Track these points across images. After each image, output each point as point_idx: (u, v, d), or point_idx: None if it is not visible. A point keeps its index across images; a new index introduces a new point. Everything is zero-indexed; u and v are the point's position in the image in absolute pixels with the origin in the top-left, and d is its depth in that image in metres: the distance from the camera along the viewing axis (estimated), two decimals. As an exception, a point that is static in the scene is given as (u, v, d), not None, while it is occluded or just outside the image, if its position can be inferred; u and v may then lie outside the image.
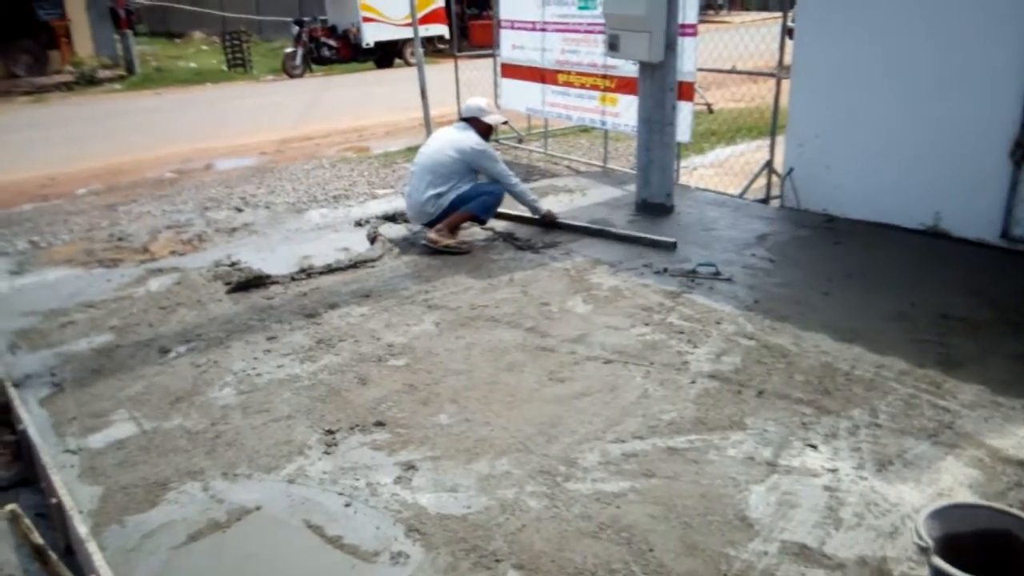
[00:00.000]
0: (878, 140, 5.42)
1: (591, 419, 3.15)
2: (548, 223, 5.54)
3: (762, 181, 6.48)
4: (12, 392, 3.39)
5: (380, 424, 3.16)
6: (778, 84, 6.12)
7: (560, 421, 3.14)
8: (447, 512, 2.62)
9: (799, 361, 3.56)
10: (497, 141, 9.51)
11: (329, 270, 4.92)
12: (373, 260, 5.07)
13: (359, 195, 7.22)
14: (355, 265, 4.99)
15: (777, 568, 2.32)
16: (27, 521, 2.28)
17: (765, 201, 6.39)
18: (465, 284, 4.63)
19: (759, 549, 2.40)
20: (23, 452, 3.14)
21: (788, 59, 5.93)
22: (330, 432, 3.11)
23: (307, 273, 4.86)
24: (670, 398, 3.29)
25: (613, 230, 5.46)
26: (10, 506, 2.29)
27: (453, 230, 5.26)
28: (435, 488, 2.75)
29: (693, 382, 3.41)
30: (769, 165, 6.39)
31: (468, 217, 5.31)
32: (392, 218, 5.91)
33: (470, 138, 5.27)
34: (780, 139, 6.24)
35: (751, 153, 8.32)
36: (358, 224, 5.91)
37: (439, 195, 5.18)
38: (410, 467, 2.88)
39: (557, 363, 3.62)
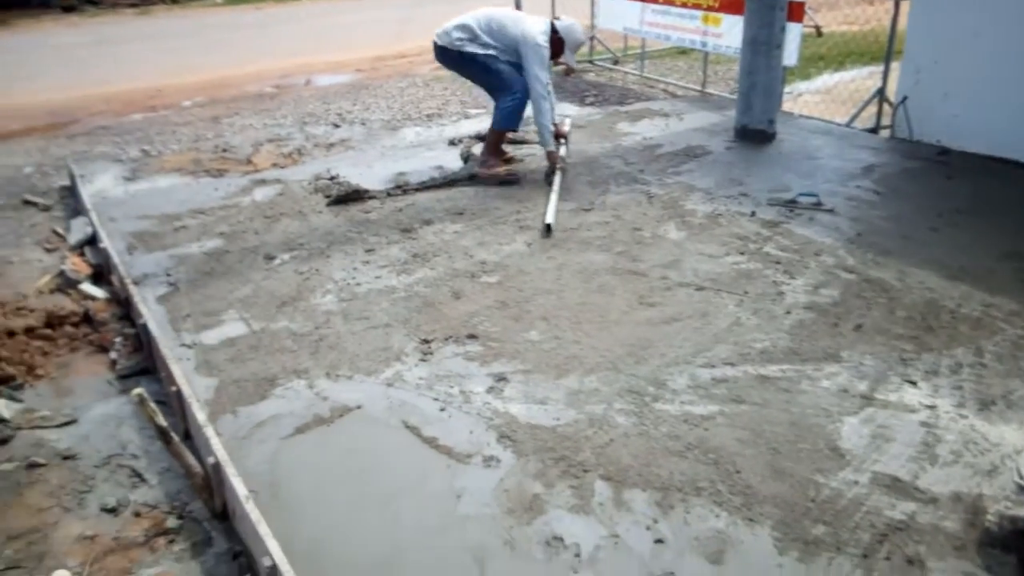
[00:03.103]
0: (1002, 68, 5.06)
1: (681, 344, 3.16)
2: (550, 163, 5.08)
3: (872, 109, 6.17)
4: (132, 289, 3.62)
5: (473, 337, 3.25)
6: (896, 5, 5.75)
7: (649, 344, 3.16)
8: (537, 423, 2.70)
9: (902, 296, 3.46)
10: (591, 62, 9.31)
11: (423, 187, 4.99)
12: (466, 179, 5.11)
13: (452, 114, 7.23)
14: (449, 183, 5.05)
15: (867, 498, 2.32)
16: (153, 404, 2.48)
17: (874, 131, 6.10)
18: (557, 206, 4.62)
19: (849, 479, 2.40)
20: (143, 344, 3.37)
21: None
22: (426, 341, 3.22)
23: (402, 189, 4.95)
24: (763, 327, 3.25)
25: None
26: (137, 390, 2.49)
27: (496, 155, 5.16)
28: (526, 399, 2.83)
29: (788, 313, 3.36)
30: (881, 92, 6.06)
31: (499, 135, 5.15)
32: (484, 138, 5.91)
33: (540, 33, 4.91)
34: (895, 65, 5.90)
35: (861, 80, 7.89)
36: (451, 143, 5.95)
37: (471, 39, 4.94)
38: (501, 379, 2.96)
39: (648, 288, 3.62)
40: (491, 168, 5.11)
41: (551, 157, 5.09)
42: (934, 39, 5.44)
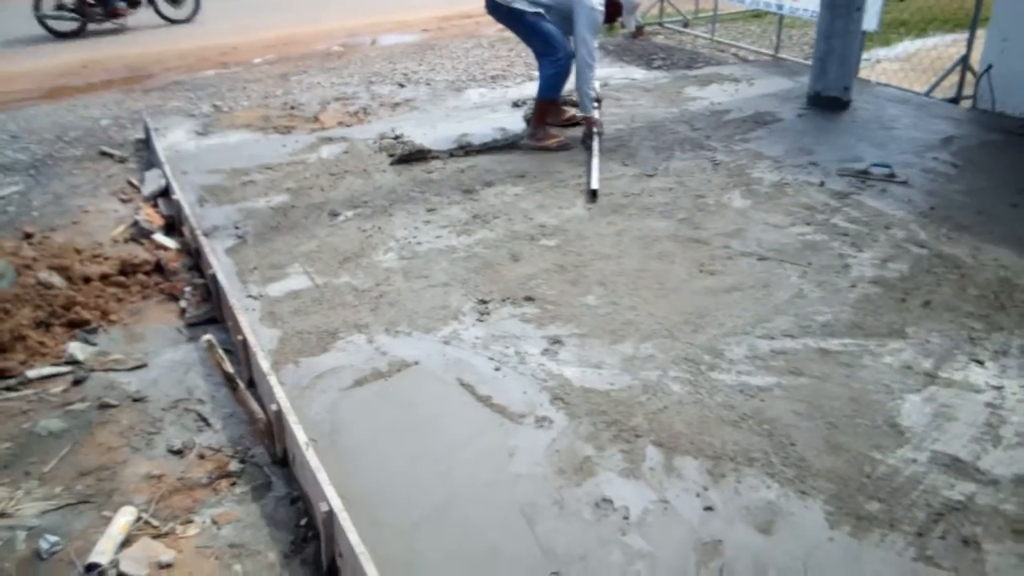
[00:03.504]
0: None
1: (740, 313, 3.12)
2: (588, 127, 5.01)
3: (954, 79, 5.90)
4: (202, 240, 3.74)
5: (530, 299, 3.27)
6: (988, -32, 5.45)
7: (708, 312, 3.13)
8: (591, 386, 2.72)
9: (974, 274, 3.34)
10: (661, 24, 9.12)
11: (486, 148, 4.99)
12: (516, 145, 5.07)
13: (516, 76, 7.18)
14: (511, 145, 5.04)
15: (924, 476, 2.28)
16: (220, 351, 2.57)
17: (955, 101, 5.83)
18: (619, 171, 4.58)
19: (907, 456, 2.36)
20: (211, 294, 3.49)
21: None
22: (483, 302, 3.25)
23: (465, 150, 4.96)
24: (827, 300, 3.19)
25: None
26: (206, 336, 2.59)
27: (544, 125, 5.05)
28: (580, 363, 2.85)
29: (853, 286, 3.28)
30: (965, 61, 5.79)
31: (545, 105, 5.02)
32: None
33: None
34: (980, 33, 5.61)
35: (944, 47, 7.54)
36: (515, 105, 5.92)
37: None
38: (557, 341, 2.98)
39: (709, 256, 3.57)
40: (540, 141, 5.03)
41: (589, 122, 5.01)
42: (1023, 6, 5.15)
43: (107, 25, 9.43)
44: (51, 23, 9.06)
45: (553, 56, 4.86)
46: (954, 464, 2.32)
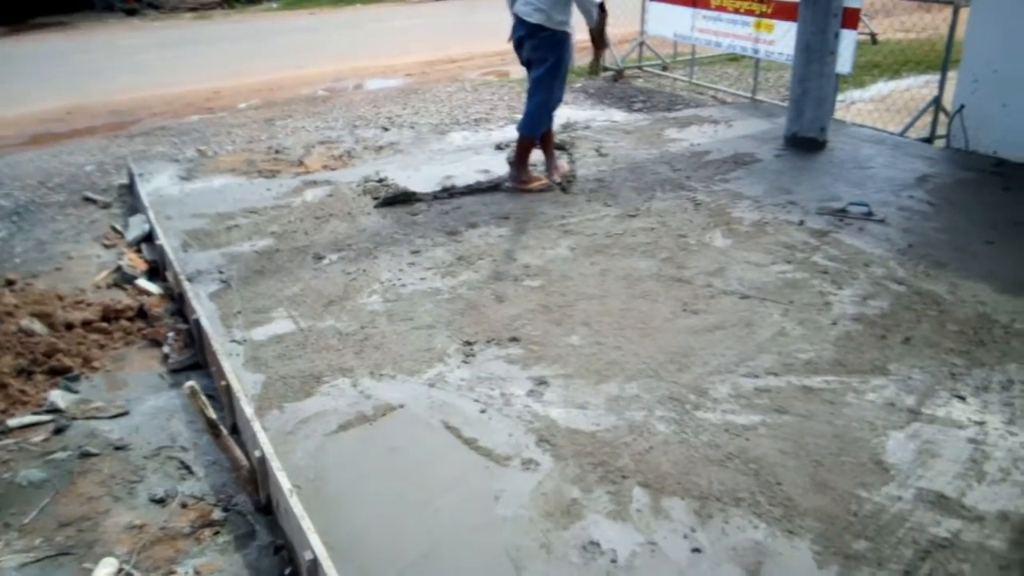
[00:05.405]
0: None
1: (724, 352, 3.14)
2: (597, 38, 4.91)
3: (927, 119, 6.04)
4: (186, 285, 3.73)
5: (515, 340, 3.27)
6: (955, 13, 5.63)
7: (692, 352, 3.15)
8: (576, 427, 2.71)
9: (953, 310, 3.38)
10: (640, 68, 9.29)
11: (470, 190, 5.04)
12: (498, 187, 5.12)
13: (499, 119, 7.27)
14: (495, 187, 5.09)
15: (911, 514, 2.28)
16: (203, 398, 2.55)
17: (929, 140, 5.97)
18: (602, 211, 4.63)
19: (893, 494, 2.36)
20: (194, 339, 3.47)
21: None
22: (468, 343, 3.25)
23: (449, 192, 5.00)
24: (809, 338, 3.21)
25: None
26: (190, 383, 2.56)
27: (526, 166, 5.06)
28: (565, 404, 2.85)
29: (835, 323, 3.31)
30: (937, 101, 5.93)
31: (528, 144, 5.02)
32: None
33: None
34: (952, 74, 5.77)
35: (917, 89, 7.72)
36: (498, 147, 5.99)
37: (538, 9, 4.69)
38: (542, 382, 2.98)
39: (692, 295, 3.61)
40: (524, 184, 5.05)
41: (598, 41, 4.93)
42: (993, 47, 5.30)
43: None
44: None
45: (550, 85, 4.86)
46: (939, 501, 2.33)
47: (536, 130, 5.03)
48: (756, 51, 7.13)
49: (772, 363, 3.05)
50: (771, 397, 2.84)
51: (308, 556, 2.04)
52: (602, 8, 4.80)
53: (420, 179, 5.28)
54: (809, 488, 2.40)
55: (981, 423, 2.66)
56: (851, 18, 5.84)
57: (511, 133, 6.51)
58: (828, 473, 2.46)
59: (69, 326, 3.56)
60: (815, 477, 2.45)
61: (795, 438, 2.62)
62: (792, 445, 2.59)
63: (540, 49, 4.81)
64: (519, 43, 4.93)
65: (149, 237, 4.58)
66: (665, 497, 2.38)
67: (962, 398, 2.80)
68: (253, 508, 2.53)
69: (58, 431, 2.93)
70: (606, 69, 5.14)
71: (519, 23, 4.84)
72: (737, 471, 2.48)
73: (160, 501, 2.57)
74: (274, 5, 17.74)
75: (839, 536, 2.21)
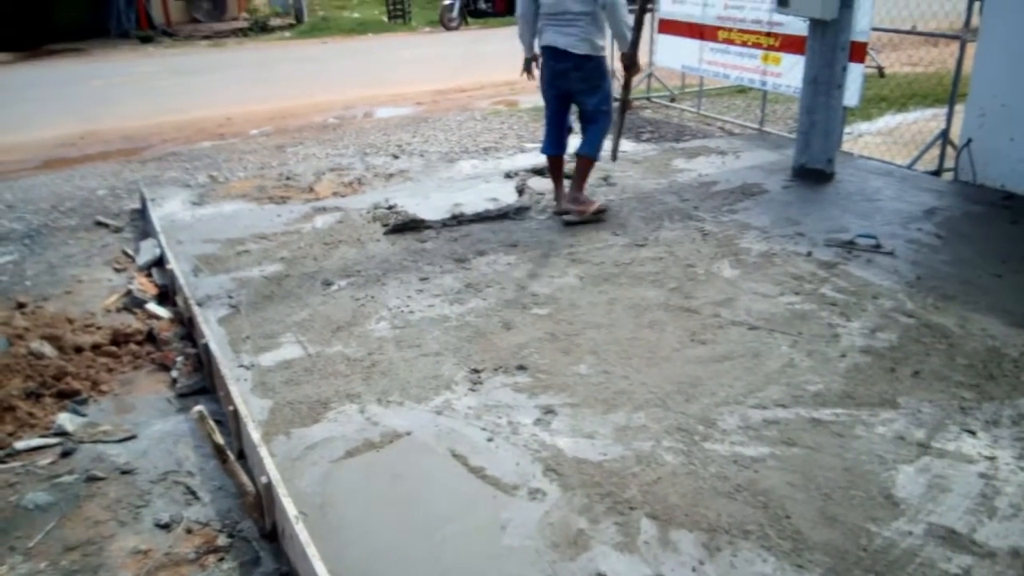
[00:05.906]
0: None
1: (732, 383, 3.13)
2: (629, 64, 4.83)
3: (935, 152, 6.06)
4: (195, 310, 3.75)
5: (522, 368, 3.27)
6: (962, 47, 5.66)
7: (700, 382, 3.14)
8: (584, 457, 2.70)
9: (963, 343, 3.37)
10: (648, 99, 9.36)
11: (479, 218, 5.07)
12: (521, 211, 5.17)
13: (508, 148, 7.33)
14: (503, 215, 5.12)
15: (921, 549, 2.26)
16: (211, 422, 2.56)
17: (937, 173, 5.98)
18: (610, 241, 4.65)
19: (903, 529, 2.34)
20: (203, 364, 3.48)
21: (976, 20, 5.47)
22: (475, 371, 3.25)
23: (458, 220, 5.03)
24: (817, 369, 3.20)
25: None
26: (198, 407, 2.57)
27: (582, 190, 5.00)
28: (573, 433, 2.84)
29: (843, 356, 3.30)
30: (945, 135, 5.95)
31: (586, 165, 4.96)
32: (540, 172, 5.98)
33: None
34: (959, 108, 5.80)
35: (924, 122, 7.76)
36: (507, 176, 6.03)
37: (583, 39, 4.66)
38: (549, 411, 2.97)
39: (700, 325, 3.60)
40: (584, 205, 4.92)
41: (631, 70, 4.91)
42: (1001, 81, 5.34)
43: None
44: None
45: (609, 109, 4.90)
46: (950, 536, 2.31)
47: (599, 152, 4.97)
48: (764, 83, 7.18)
49: (781, 395, 3.04)
50: (780, 429, 2.83)
51: (313, 584, 2.03)
52: (637, 30, 4.82)
53: (429, 206, 5.31)
54: (818, 521, 2.38)
55: (992, 458, 2.64)
56: (858, 52, 5.89)
57: (520, 162, 6.57)
58: (837, 507, 2.44)
59: (78, 349, 3.57)
60: (824, 511, 2.43)
61: (804, 471, 2.61)
62: (801, 478, 2.57)
63: (591, 79, 4.81)
64: (558, 75, 4.85)
65: (160, 261, 4.61)
66: (673, 529, 2.36)
67: (972, 432, 2.78)
68: (259, 534, 2.52)
69: (65, 454, 2.93)
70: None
71: (558, 55, 4.75)
72: (746, 503, 2.46)
73: (166, 526, 2.57)
74: (287, 34, 18.02)
75: (849, 571, 2.19)
